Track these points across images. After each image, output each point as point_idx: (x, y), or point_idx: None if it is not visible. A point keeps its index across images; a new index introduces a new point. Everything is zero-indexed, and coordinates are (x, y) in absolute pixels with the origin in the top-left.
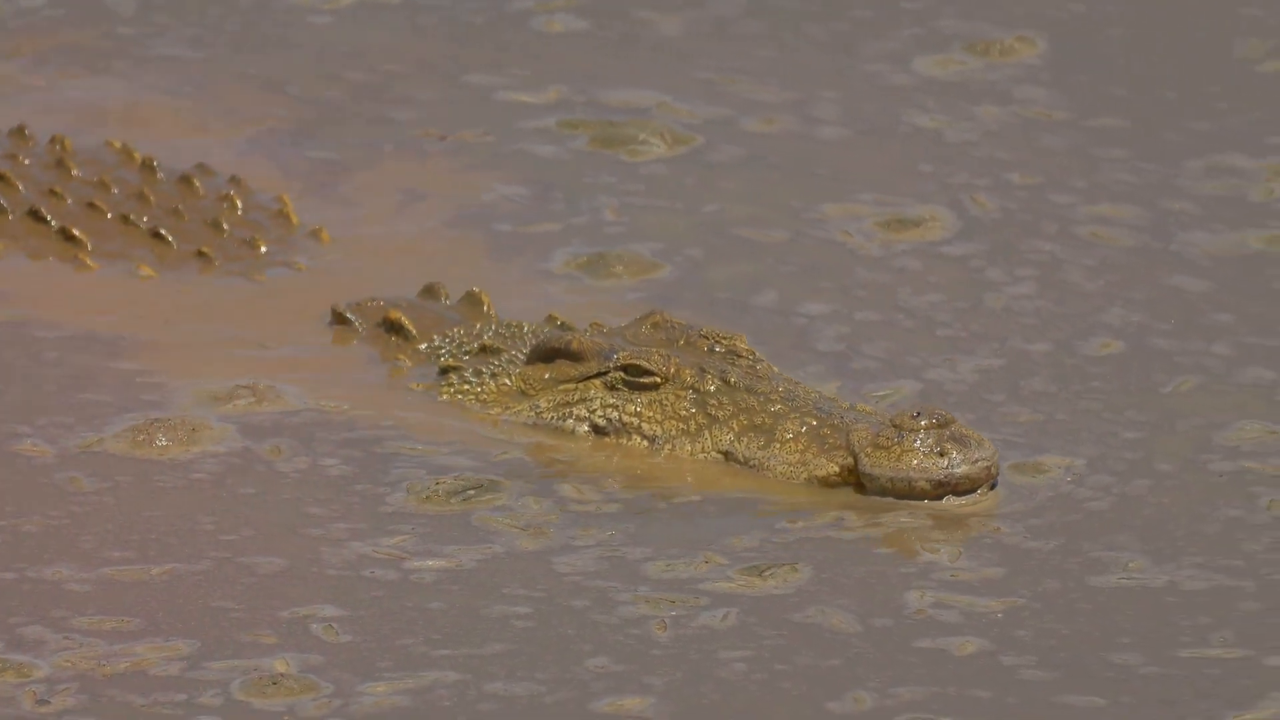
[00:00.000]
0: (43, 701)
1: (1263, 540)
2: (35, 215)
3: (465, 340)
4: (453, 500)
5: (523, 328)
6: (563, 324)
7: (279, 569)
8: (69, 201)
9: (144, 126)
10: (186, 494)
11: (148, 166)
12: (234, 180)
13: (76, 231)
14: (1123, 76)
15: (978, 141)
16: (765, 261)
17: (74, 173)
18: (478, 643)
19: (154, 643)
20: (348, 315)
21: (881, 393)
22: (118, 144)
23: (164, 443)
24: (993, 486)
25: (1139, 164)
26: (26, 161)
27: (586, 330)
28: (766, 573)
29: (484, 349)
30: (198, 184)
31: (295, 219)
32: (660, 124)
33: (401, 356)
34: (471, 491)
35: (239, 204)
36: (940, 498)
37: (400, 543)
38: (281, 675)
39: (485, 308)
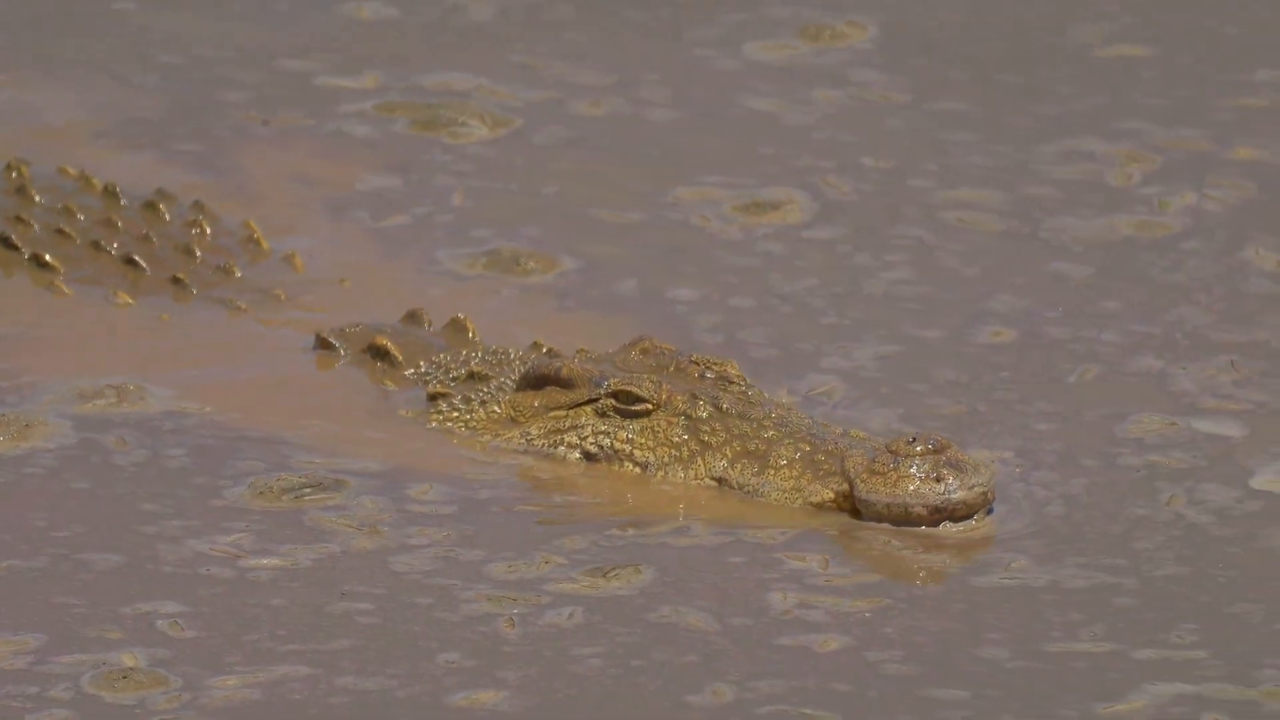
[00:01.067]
0: None
1: (1156, 538)
2: (5, 242)
3: (452, 366)
4: (285, 497)
5: (510, 354)
6: (550, 350)
7: (116, 565)
8: (36, 228)
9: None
10: (18, 489)
11: (110, 193)
12: (197, 205)
13: (49, 257)
14: (959, 60)
15: (817, 125)
16: (626, 246)
17: (37, 199)
18: (324, 639)
19: (0, 637)
20: (332, 341)
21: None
22: (73, 171)
23: None
24: (989, 511)
25: (990, 147)
26: None
27: (574, 356)
28: (610, 574)
29: (472, 375)
30: (163, 209)
31: (266, 245)
32: (480, 106)
33: (388, 383)
34: (308, 490)
35: (207, 230)
36: (937, 524)
37: (237, 540)
38: (131, 669)
39: (470, 334)
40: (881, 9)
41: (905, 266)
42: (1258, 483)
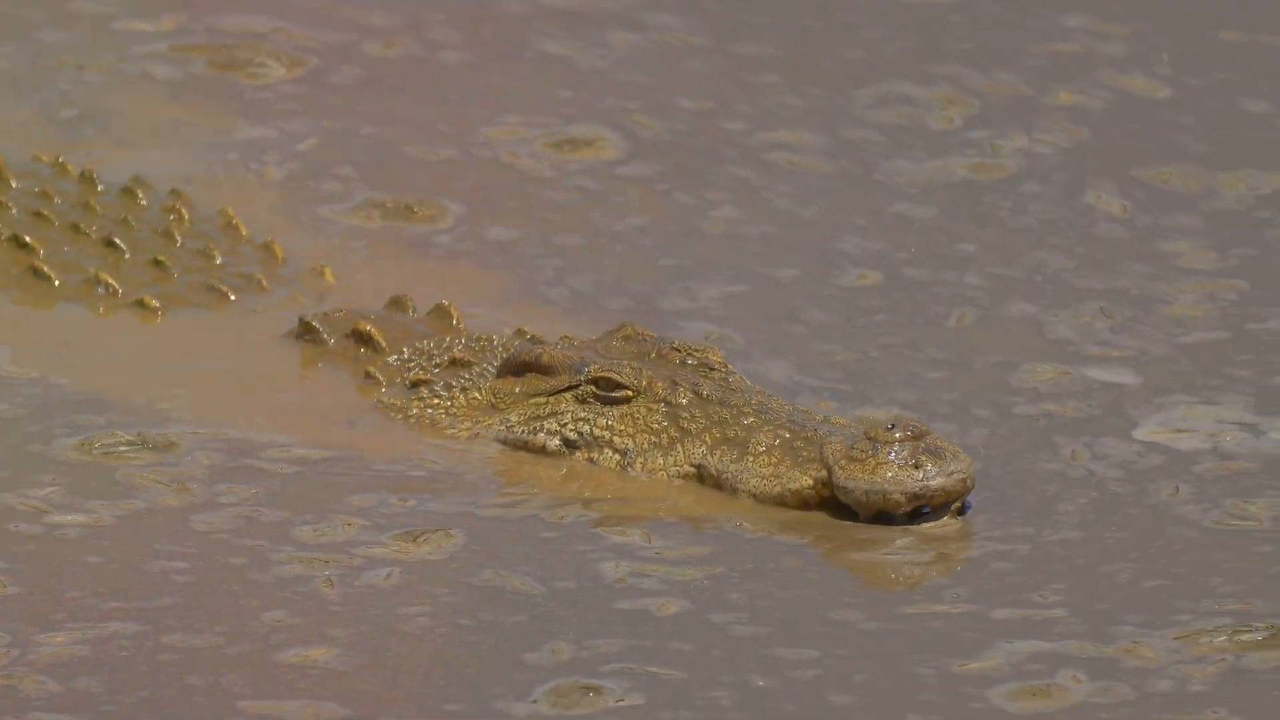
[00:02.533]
0: None
1: (1075, 500)
2: None
3: (435, 353)
4: (93, 452)
5: (492, 341)
6: (532, 337)
7: None
8: (14, 212)
9: None
10: None
11: (88, 179)
12: (175, 193)
13: (29, 239)
14: (759, 5)
15: (613, 67)
16: (446, 184)
17: (13, 184)
18: (146, 596)
19: None
20: (315, 326)
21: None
22: (45, 157)
23: None
24: (964, 510)
25: (801, 90)
26: None
27: (557, 343)
28: (421, 538)
29: (454, 362)
30: (140, 195)
31: (244, 231)
32: (275, 46)
33: (371, 369)
34: (124, 448)
35: (186, 215)
36: (915, 512)
37: (48, 495)
38: None
39: (454, 320)
40: None
41: (729, 205)
42: (1144, 433)
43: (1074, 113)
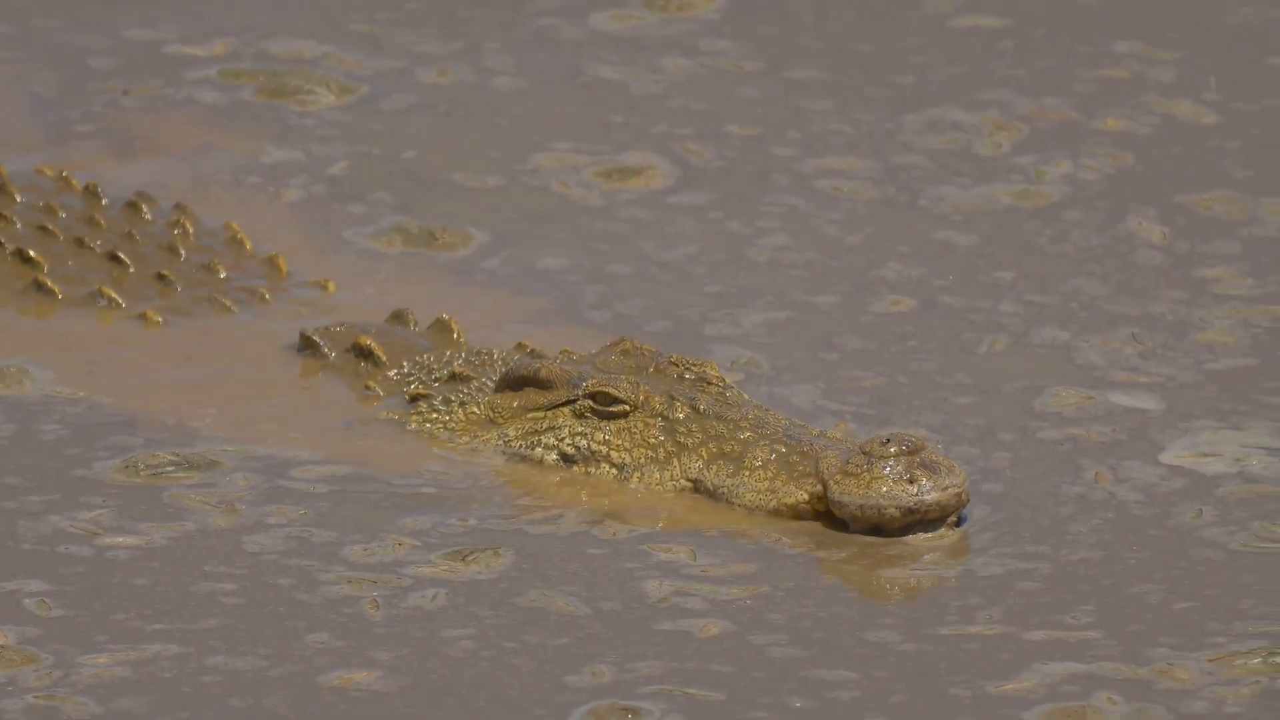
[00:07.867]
0: None
1: (1090, 520)
2: None
3: (435, 367)
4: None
5: (493, 355)
6: (533, 351)
7: None
8: (18, 226)
9: None
10: None
11: (91, 192)
12: (179, 207)
13: (33, 253)
14: (810, 30)
15: (667, 93)
16: (487, 211)
17: (18, 198)
18: (192, 617)
19: None
20: (316, 340)
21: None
22: (50, 170)
23: None
24: (959, 523)
25: (852, 116)
26: None
27: (556, 358)
28: (469, 557)
29: (454, 376)
30: (145, 210)
31: (249, 245)
32: (326, 74)
33: (372, 384)
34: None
35: (190, 229)
36: (909, 527)
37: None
38: (1, 646)
39: (455, 334)
40: None
41: (779, 233)
42: (1169, 457)
43: (1120, 139)
